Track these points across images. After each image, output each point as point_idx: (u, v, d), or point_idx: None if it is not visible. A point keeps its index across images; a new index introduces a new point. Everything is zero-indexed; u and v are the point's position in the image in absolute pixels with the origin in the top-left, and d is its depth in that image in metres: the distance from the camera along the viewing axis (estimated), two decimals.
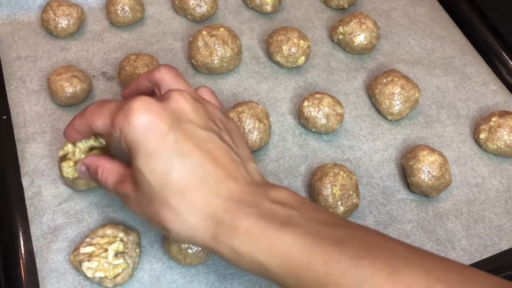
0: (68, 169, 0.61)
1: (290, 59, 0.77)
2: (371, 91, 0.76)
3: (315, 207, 0.49)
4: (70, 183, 0.63)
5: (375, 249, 0.42)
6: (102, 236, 0.58)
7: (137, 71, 0.70)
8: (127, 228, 0.60)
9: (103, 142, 0.62)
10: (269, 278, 0.44)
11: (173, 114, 0.46)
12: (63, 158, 0.62)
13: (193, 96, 0.49)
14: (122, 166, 0.50)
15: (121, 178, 0.49)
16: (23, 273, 0.58)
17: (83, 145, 0.62)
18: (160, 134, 0.45)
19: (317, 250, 0.42)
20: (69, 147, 0.62)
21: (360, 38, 0.79)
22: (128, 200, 0.49)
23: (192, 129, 0.46)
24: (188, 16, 0.83)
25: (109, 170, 0.51)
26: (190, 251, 0.58)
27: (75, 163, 0.60)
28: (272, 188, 0.47)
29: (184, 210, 0.45)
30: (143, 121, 0.45)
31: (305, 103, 0.71)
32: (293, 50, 0.76)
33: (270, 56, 0.79)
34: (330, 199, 0.63)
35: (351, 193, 0.64)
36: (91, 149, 0.62)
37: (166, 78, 0.52)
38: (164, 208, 0.45)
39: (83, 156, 0.61)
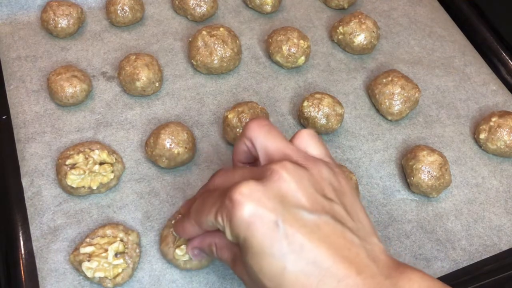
0: (75, 176, 0.62)
1: (290, 59, 0.77)
2: (371, 91, 0.76)
3: None
4: (69, 190, 0.63)
5: None
6: (102, 236, 0.58)
7: (137, 71, 0.70)
8: (127, 228, 0.60)
9: (113, 159, 0.63)
10: None
11: (277, 198, 0.41)
12: (70, 165, 0.63)
13: (295, 162, 0.44)
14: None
15: (234, 257, 0.47)
16: (23, 273, 0.58)
17: (96, 157, 0.63)
18: (267, 228, 0.40)
19: None
20: (80, 156, 0.63)
21: (360, 38, 0.79)
22: (243, 279, 0.47)
23: (299, 215, 0.41)
24: (188, 16, 0.83)
25: (221, 246, 0.49)
26: (184, 257, 0.57)
27: (85, 172, 0.61)
28: (401, 277, 0.42)
29: None
30: (247, 215, 0.41)
31: (305, 103, 0.71)
32: (293, 50, 0.76)
33: (270, 56, 0.79)
34: None
35: None
36: (101, 163, 0.64)
37: (257, 137, 0.47)
38: None
39: (95, 167, 0.62)
